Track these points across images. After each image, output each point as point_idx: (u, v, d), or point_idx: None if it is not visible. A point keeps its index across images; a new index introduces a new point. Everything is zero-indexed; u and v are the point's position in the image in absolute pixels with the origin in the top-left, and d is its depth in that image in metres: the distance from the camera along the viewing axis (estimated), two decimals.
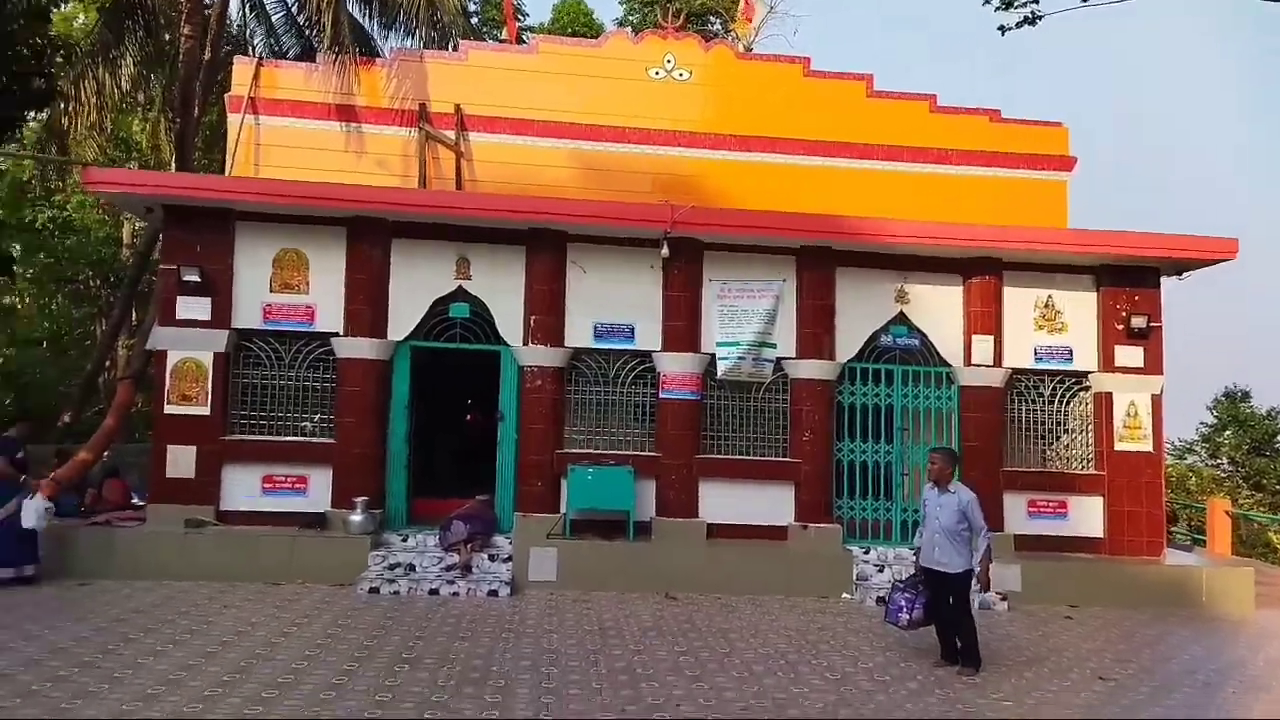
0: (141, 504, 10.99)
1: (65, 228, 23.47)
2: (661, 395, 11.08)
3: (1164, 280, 11.71)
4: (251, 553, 9.90)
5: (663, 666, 7.18)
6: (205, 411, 10.35)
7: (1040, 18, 8.33)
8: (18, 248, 23.65)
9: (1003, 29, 8.43)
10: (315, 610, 8.63)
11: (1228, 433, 22.60)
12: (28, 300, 22.86)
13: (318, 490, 10.61)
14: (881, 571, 10.48)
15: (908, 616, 7.57)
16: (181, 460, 10.31)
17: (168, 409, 10.34)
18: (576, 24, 28.92)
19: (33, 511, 9.24)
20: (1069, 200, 13.64)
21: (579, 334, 11.07)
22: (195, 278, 10.29)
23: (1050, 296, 11.62)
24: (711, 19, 29.83)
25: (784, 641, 8.16)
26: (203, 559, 9.84)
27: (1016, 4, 8.40)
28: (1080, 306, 11.61)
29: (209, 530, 10.17)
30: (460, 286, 10.94)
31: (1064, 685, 7.14)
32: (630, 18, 30.34)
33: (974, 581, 7.49)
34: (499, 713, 5.87)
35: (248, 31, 19.42)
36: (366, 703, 5.96)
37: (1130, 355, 11.40)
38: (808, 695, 6.56)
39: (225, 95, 13.32)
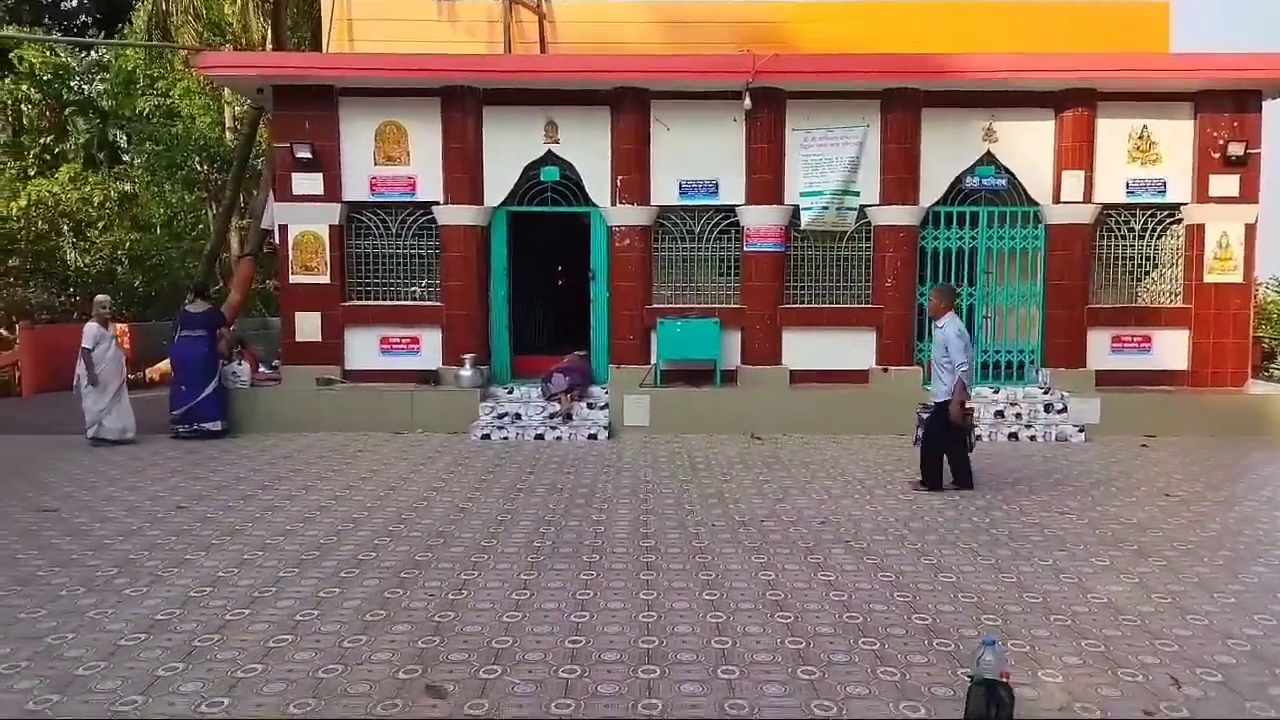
0: (268, 370, 12.21)
1: (170, 115, 24.57)
2: (746, 248, 11.44)
3: (1267, 104, 11.25)
4: (376, 406, 10.98)
5: (749, 492, 7.91)
6: (325, 280, 11.28)
7: None
8: (123, 136, 24.96)
9: None
10: (436, 453, 9.66)
11: None
12: (144, 188, 24.27)
13: (429, 349, 11.53)
14: None
15: (915, 437, 8.22)
16: (308, 325, 11.34)
17: (292, 279, 11.30)
18: None
19: (246, 374, 11.33)
20: (1170, 23, 12.96)
21: (664, 192, 11.42)
22: (307, 154, 11.00)
23: (1145, 127, 11.32)
24: None
25: (862, 471, 8.78)
26: (333, 412, 10.98)
27: None
28: (1176, 136, 11.29)
29: (337, 387, 11.26)
30: (549, 150, 11.35)
31: (1128, 501, 7.58)
32: None
33: (974, 414, 7.97)
34: (605, 527, 6.70)
35: None
36: (489, 521, 6.87)
37: (1225, 184, 11.12)
38: (880, 512, 7.20)
39: None
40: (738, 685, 4.07)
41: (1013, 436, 10.55)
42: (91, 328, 10.26)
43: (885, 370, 11.35)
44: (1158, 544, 6.34)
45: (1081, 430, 10.54)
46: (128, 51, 24.77)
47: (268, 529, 6.65)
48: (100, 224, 21.73)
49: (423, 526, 6.73)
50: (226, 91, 23.28)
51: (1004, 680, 3.56)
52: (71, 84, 25.35)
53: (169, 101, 24.64)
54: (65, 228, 20.65)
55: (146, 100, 24.53)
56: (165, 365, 14.76)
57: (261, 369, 12.50)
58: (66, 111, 24.73)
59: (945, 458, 7.97)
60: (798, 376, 11.45)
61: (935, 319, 8.07)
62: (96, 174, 23.40)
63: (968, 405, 7.80)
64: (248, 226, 22.70)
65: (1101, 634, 4.69)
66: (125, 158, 25.69)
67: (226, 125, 24.82)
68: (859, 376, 11.47)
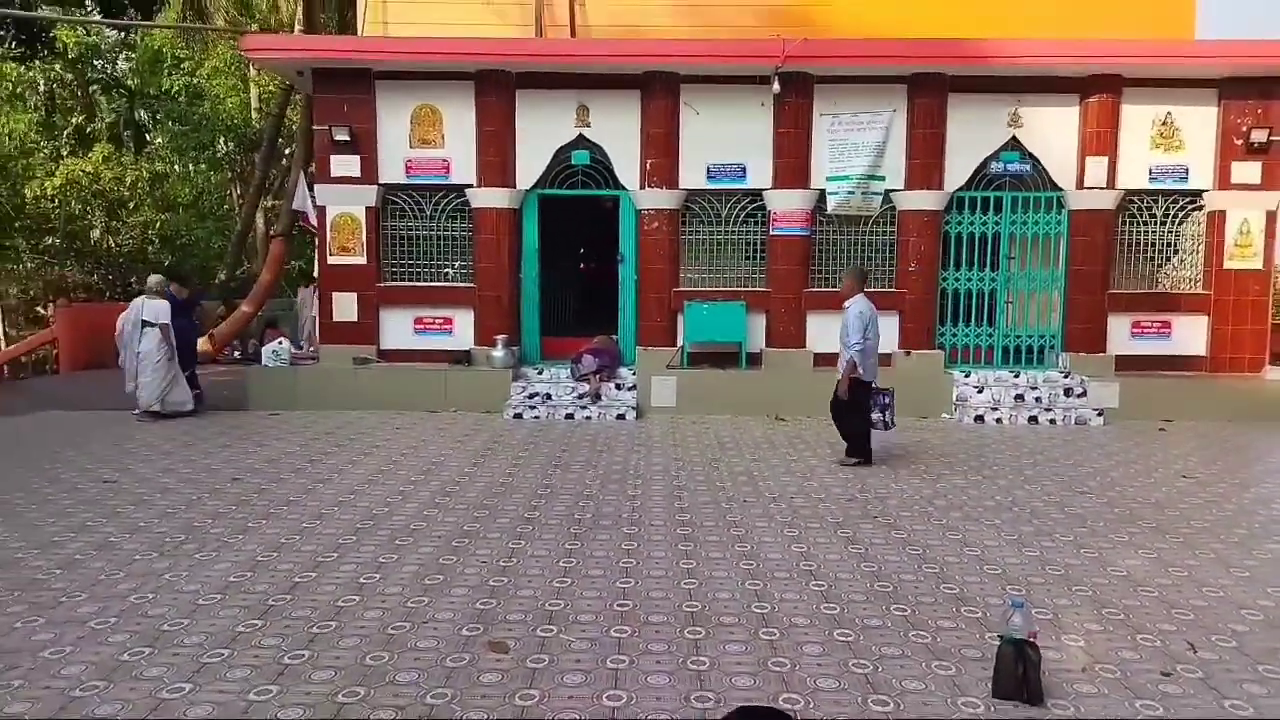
0: (295, 350, 12.58)
1: (197, 95, 24.87)
2: (772, 232, 11.65)
3: None
4: (411, 385, 11.28)
5: (777, 470, 8.18)
6: (362, 261, 11.58)
7: None
8: (144, 115, 25.30)
9: None
10: (471, 431, 9.97)
11: None
12: (170, 167, 24.62)
13: (461, 330, 11.83)
14: (980, 393, 11.11)
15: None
16: (345, 305, 11.66)
17: (330, 260, 11.62)
18: None
19: (286, 353, 11.84)
20: (1196, 7, 12.98)
21: (693, 175, 11.63)
22: (345, 136, 11.29)
23: (1169, 113, 11.44)
24: None
25: (885, 451, 9.00)
26: (370, 391, 11.28)
27: None
28: (1199, 123, 11.41)
29: (373, 366, 11.58)
30: (580, 134, 11.58)
31: (1146, 482, 7.81)
32: None
33: (877, 394, 8.33)
34: (641, 502, 7.00)
35: None
36: (530, 495, 7.18)
37: (1248, 171, 11.26)
38: (905, 490, 7.46)
39: None
40: (779, 645, 4.35)
41: (1033, 420, 10.76)
42: (164, 305, 10.64)
43: (907, 353, 11.56)
44: (1175, 522, 6.58)
45: (1100, 414, 10.74)
46: (155, 31, 25.07)
47: (320, 500, 6.98)
48: (131, 204, 22.12)
49: (467, 499, 7.04)
50: (253, 71, 23.57)
51: (1031, 640, 3.83)
52: (96, 63, 25.69)
53: (195, 81, 24.95)
54: (98, 208, 21.05)
55: (173, 79, 24.84)
56: (201, 344, 15.16)
57: (291, 349, 12.84)
58: (91, 89, 25.07)
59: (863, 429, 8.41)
60: (821, 359, 11.62)
61: (845, 300, 8.43)
62: (126, 154, 23.77)
63: (877, 386, 8.34)
64: (274, 206, 23.14)
65: (1121, 604, 4.95)
66: (149, 137, 26.05)
67: (252, 106, 25.13)
68: (882, 359, 11.60)
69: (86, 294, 19.43)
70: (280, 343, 11.69)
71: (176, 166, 24.94)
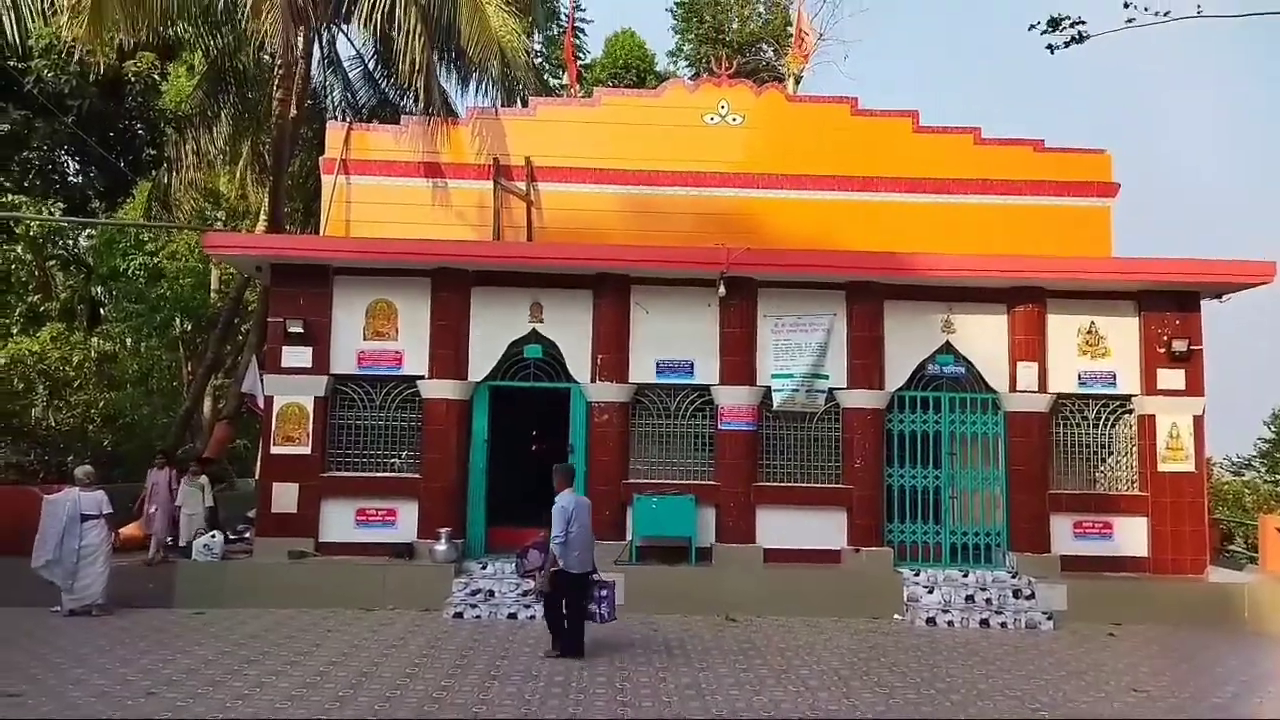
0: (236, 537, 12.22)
1: (155, 275, 25.06)
2: (720, 426, 11.82)
3: (1206, 302, 12.11)
4: (348, 581, 10.90)
5: (725, 682, 7.89)
6: (306, 451, 11.44)
7: (1087, 37, 8.61)
8: (100, 291, 25.37)
9: (1051, 48, 8.71)
10: (408, 634, 9.55)
11: None
12: (123, 346, 24.44)
13: (405, 522, 11.59)
14: (931, 593, 11.02)
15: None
16: (285, 496, 11.39)
17: (273, 449, 11.46)
18: (630, 56, 30.16)
19: (218, 547, 11.23)
20: (1112, 226, 13.98)
21: (642, 370, 11.89)
22: (298, 329, 11.42)
23: (1093, 323, 12.08)
24: (763, 46, 30.71)
25: (837, 659, 8.80)
26: (304, 587, 10.84)
27: (1063, 26, 8.65)
28: (1123, 331, 12.05)
29: (309, 561, 11.19)
30: (534, 329, 11.88)
31: (1098, 697, 7.68)
32: (683, 48, 31.48)
33: (597, 586, 8.69)
34: None
35: (326, 86, 20.78)
36: (464, 711, 6.81)
37: (1172, 378, 11.81)
38: (858, 708, 7.22)
39: (320, 158, 14.31)
40: None
41: (984, 623, 10.61)
42: (103, 495, 10.46)
43: (857, 551, 11.52)
44: None
45: (1050, 617, 10.65)
46: (120, 215, 25.54)
47: None
48: (76, 383, 21.79)
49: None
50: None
51: None
52: (56, 239, 25.92)
53: (155, 261, 25.20)
54: (41, 387, 20.68)
55: (131, 259, 25.05)
56: (131, 529, 14.55)
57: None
58: (48, 263, 25.18)
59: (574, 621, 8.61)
60: (772, 555, 11.57)
61: (556, 494, 8.70)
62: (77, 331, 23.64)
63: (599, 578, 8.77)
64: (224, 384, 22.97)
65: None
66: (104, 313, 25.99)
67: (212, 287, 25.39)
68: (831, 556, 11.62)
69: (18, 475, 18.72)
70: (214, 535, 11.29)
71: (128, 342, 24.78)
